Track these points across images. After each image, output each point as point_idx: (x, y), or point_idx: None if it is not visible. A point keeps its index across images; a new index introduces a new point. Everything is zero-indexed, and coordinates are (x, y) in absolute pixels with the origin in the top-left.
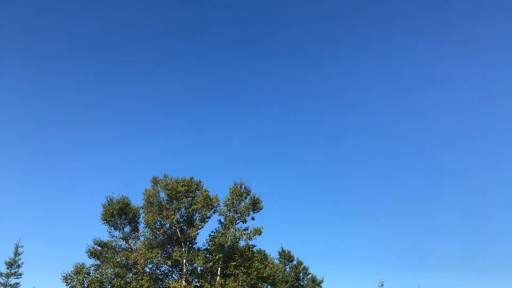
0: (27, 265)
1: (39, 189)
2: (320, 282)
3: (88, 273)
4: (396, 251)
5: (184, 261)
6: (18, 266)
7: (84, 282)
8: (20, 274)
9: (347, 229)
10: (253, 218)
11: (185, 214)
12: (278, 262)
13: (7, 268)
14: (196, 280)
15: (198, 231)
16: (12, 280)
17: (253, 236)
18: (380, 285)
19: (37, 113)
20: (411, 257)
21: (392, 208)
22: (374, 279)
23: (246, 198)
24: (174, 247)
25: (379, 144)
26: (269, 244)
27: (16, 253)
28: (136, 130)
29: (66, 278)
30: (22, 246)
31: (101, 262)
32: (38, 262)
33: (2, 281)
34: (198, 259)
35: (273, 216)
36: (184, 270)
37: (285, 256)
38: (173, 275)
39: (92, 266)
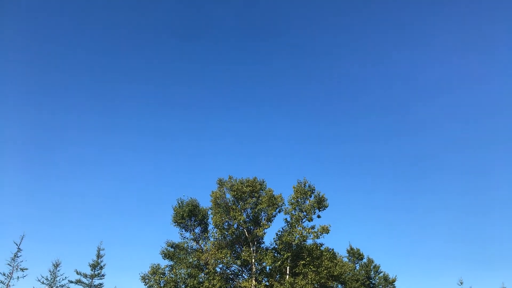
0: (108, 267)
1: (116, 196)
2: (393, 281)
3: (164, 273)
4: (474, 249)
5: (253, 260)
6: (101, 268)
7: (160, 282)
8: (103, 275)
9: (419, 225)
10: (319, 216)
11: (251, 214)
12: (347, 260)
13: (91, 270)
14: (265, 279)
15: (265, 230)
16: (96, 281)
17: (320, 235)
18: (460, 283)
19: (102, 123)
20: (492, 255)
21: (468, 204)
22: (452, 276)
23: (310, 196)
24: (242, 247)
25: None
26: (336, 242)
27: (99, 256)
28: (192, 135)
29: (144, 278)
30: (103, 249)
31: (175, 262)
32: (118, 263)
33: (87, 282)
34: (267, 258)
35: (340, 213)
36: (254, 270)
37: (354, 254)
38: (243, 274)
39: (167, 266)
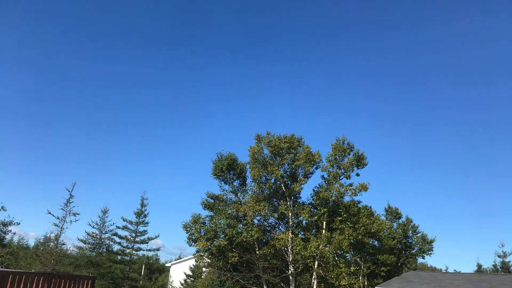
0: (152, 215)
1: (160, 149)
2: (432, 241)
3: (204, 223)
4: None
5: (290, 214)
6: (145, 216)
7: (200, 230)
8: (147, 223)
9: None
10: (357, 174)
11: (288, 170)
12: (385, 219)
13: (136, 217)
14: (302, 232)
15: (302, 186)
16: (141, 228)
17: (358, 192)
18: (501, 245)
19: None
20: None
21: None
22: (495, 239)
23: (349, 154)
24: (279, 201)
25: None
26: (374, 200)
27: (142, 205)
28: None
29: (185, 227)
30: (147, 199)
31: (214, 213)
32: (161, 213)
33: (133, 228)
34: (304, 213)
35: (380, 171)
36: (290, 223)
37: (392, 213)
38: (280, 227)
39: (207, 216)
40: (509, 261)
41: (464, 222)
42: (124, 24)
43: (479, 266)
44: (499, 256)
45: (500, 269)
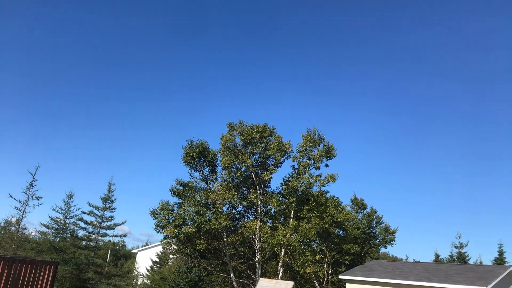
0: (119, 201)
1: (129, 133)
2: (394, 232)
3: (172, 210)
4: (472, 203)
5: (259, 202)
6: (112, 202)
7: (169, 217)
8: (114, 209)
9: (423, 179)
10: (326, 165)
11: (259, 159)
12: (350, 209)
13: (103, 203)
14: (270, 221)
15: (272, 175)
16: (107, 214)
17: (327, 183)
18: (458, 237)
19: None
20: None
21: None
22: (452, 230)
23: (319, 145)
24: (249, 190)
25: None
26: (341, 191)
27: (110, 190)
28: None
29: (153, 213)
30: (114, 184)
31: (183, 200)
32: (128, 199)
33: (99, 214)
34: (272, 201)
35: (346, 163)
36: (259, 211)
37: (358, 204)
38: (249, 215)
39: (176, 204)
40: (465, 252)
41: (423, 213)
42: (117, 23)
43: (437, 256)
44: (455, 247)
45: (456, 259)
